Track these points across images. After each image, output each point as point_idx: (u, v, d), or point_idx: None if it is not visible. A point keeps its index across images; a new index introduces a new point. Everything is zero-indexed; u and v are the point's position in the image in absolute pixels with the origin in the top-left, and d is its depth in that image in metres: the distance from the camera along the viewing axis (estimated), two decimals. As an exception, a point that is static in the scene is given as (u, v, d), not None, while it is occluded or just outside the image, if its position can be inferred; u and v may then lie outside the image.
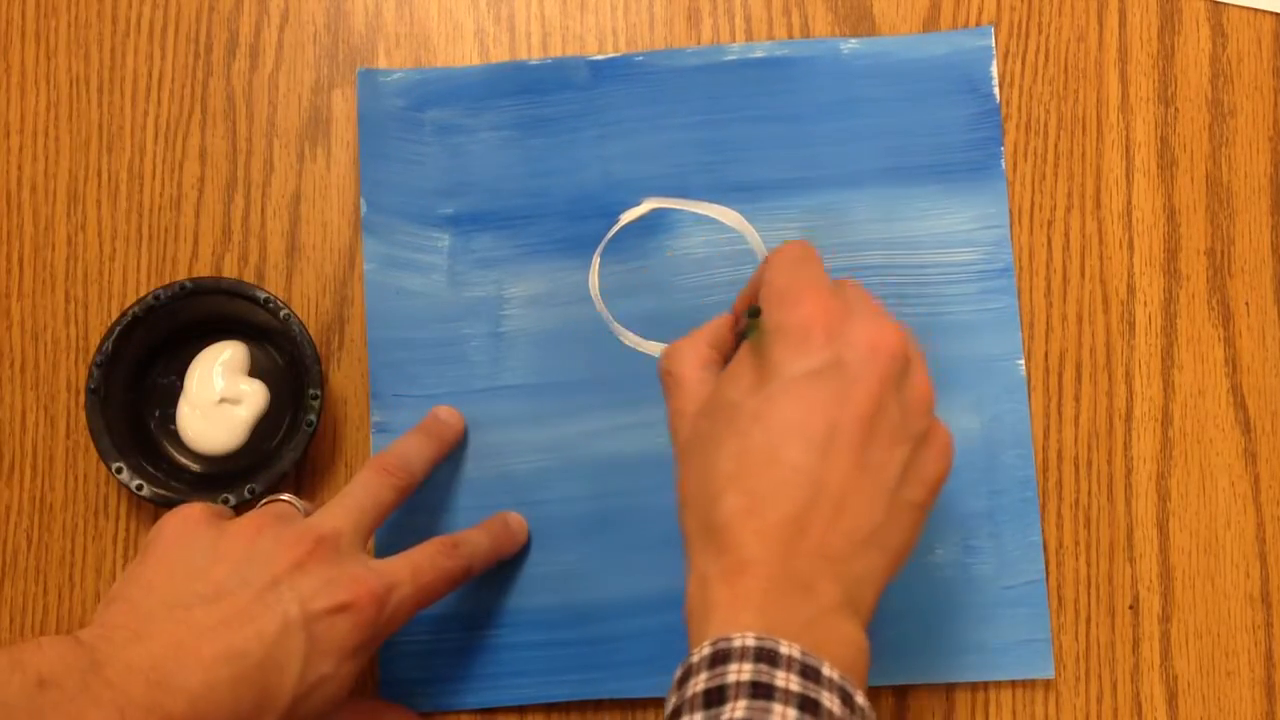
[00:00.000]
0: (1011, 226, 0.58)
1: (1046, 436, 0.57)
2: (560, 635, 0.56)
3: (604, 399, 0.57)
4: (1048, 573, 0.56)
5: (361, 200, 0.58)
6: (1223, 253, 0.58)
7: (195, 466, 0.57)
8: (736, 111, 0.59)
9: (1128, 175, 0.59)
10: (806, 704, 0.38)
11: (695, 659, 0.40)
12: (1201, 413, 0.57)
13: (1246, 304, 0.58)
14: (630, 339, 0.58)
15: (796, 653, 0.40)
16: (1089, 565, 0.57)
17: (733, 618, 0.41)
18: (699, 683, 0.39)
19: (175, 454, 0.57)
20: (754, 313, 0.45)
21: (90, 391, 0.54)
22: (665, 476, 0.56)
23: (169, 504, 0.54)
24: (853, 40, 0.59)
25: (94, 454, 0.56)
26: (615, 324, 0.58)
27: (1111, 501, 0.57)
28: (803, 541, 0.42)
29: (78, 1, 0.60)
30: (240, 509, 0.55)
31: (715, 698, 0.39)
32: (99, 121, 0.60)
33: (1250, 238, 0.59)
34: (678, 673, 0.41)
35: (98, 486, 0.57)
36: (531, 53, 0.60)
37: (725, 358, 0.49)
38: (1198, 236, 0.59)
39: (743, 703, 0.38)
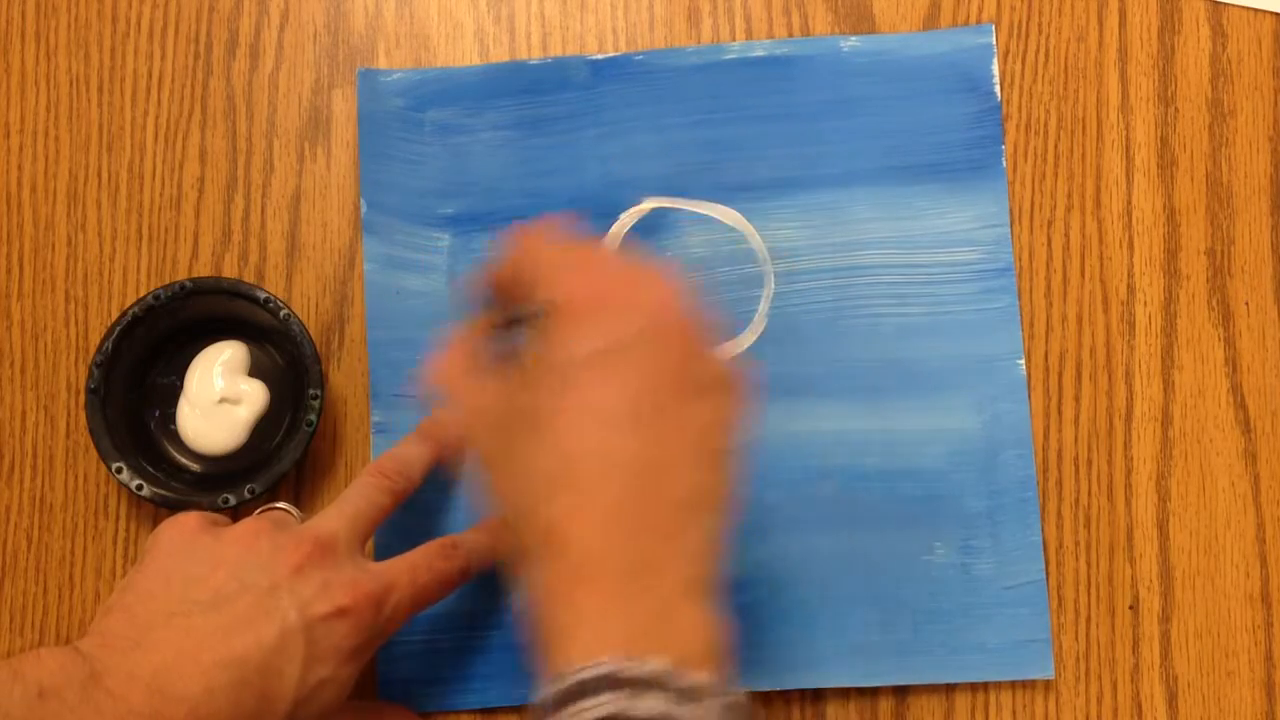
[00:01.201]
0: (1011, 226, 0.58)
1: (1046, 436, 0.57)
2: (560, 635, 0.55)
3: (604, 399, 0.57)
4: (1048, 573, 0.56)
5: (361, 200, 0.58)
6: (1223, 253, 0.58)
7: (195, 466, 0.57)
8: (736, 111, 0.59)
9: (1128, 175, 0.59)
10: None
11: (550, 692, 0.38)
12: (1201, 413, 0.57)
13: (1246, 304, 0.58)
14: (630, 339, 0.58)
15: (657, 666, 0.38)
16: (1089, 565, 0.57)
17: (586, 636, 0.39)
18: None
19: (175, 454, 0.57)
20: (536, 310, 0.43)
21: (90, 391, 0.54)
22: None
23: (169, 504, 0.54)
24: (853, 39, 0.59)
25: (94, 454, 0.56)
26: (615, 324, 0.58)
27: (1111, 501, 0.57)
28: (637, 524, 0.40)
29: (78, 1, 0.60)
30: (240, 509, 0.55)
31: None
32: (99, 121, 0.60)
33: (1250, 238, 0.59)
34: (536, 695, 0.38)
35: (98, 486, 0.57)
36: (531, 53, 0.60)
37: (480, 362, 0.47)
38: (1198, 236, 0.59)
39: None
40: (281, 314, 0.55)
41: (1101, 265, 0.58)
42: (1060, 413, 0.57)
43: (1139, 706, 0.56)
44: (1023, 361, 0.57)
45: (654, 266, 0.44)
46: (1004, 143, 0.59)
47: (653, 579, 0.40)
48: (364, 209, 0.58)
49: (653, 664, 0.38)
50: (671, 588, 0.40)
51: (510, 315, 0.46)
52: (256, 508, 0.56)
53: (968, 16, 0.60)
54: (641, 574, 0.40)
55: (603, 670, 0.37)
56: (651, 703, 0.37)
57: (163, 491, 0.54)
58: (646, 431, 0.41)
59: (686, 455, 0.42)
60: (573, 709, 0.37)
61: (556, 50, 0.60)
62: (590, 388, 0.41)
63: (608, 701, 0.37)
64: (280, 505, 0.55)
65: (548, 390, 0.42)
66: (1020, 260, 0.58)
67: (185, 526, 0.48)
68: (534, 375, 0.43)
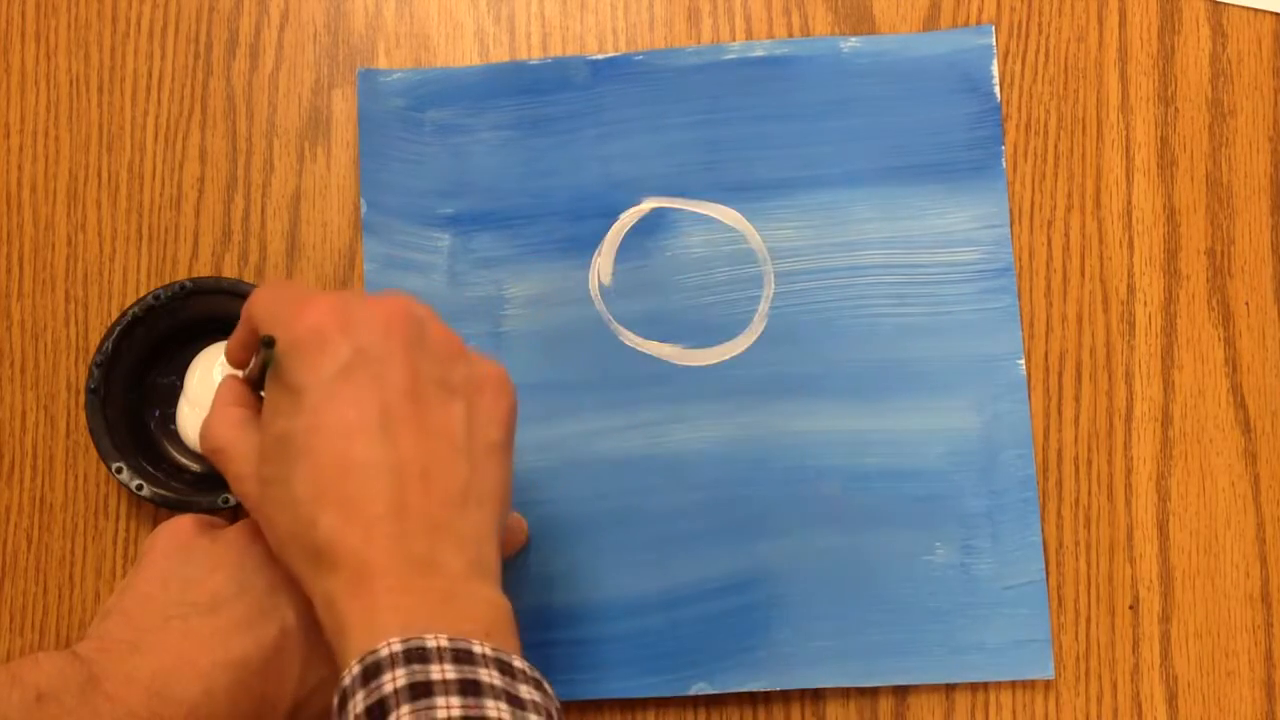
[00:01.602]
0: (1011, 226, 0.58)
1: (1046, 436, 0.57)
2: (560, 635, 0.56)
3: (604, 399, 0.57)
4: (1048, 573, 0.56)
5: (361, 200, 0.58)
6: (1223, 253, 0.58)
7: (195, 466, 0.57)
8: (736, 111, 0.59)
9: (1128, 175, 0.59)
10: (467, 687, 0.38)
11: (347, 681, 0.39)
12: (1201, 413, 0.57)
13: (1246, 304, 0.58)
14: (630, 339, 0.58)
15: (444, 641, 0.39)
16: (1089, 565, 0.57)
17: (371, 627, 0.39)
18: (357, 704, 0.38)
19: (175, 454, 0.57)
20: (268, 342, 0.44)
21: (90, 391, 0.54)
22: (665, 476, 0.56)
23: (169, 504, 0.54)
24: (853, 39, 0.59)
25: (94, 454, 0.56)
26: (615, 324, 0.58)
27: (1111, 501, 0.57)
28: (407, 524, 0.41)
29: (78, 1, 0.60)
30: (240, 509, 0.55)
31: (377, 713, 0.37)
32: (99, 121, 0.60)
33: (1250, 238, 0.59)
34: (334, 699, 0.39)
35: (98, 486, 0.57)
36: (531, 53, 0.60)
37: (256, 409, 0.48)
38: (1198, 236, 0.59)
39: (405, 708, 0.37)
40: (281, 314, 0.55)
41: (1101, 265, 0.58)
42: (1060, 413, 0.57)
43: (1139, 706, 0.56)
44: (1023, 361, 0.57)
45: (384, 293, 0.46)
46: (1004, 143, 0.59)
47: (429, 571, 0.41)
48: (364, 209, 0.58)
49: (443, 639, 0.39)
50: (449, 576, 0.41)
51: (255, 367, 0.47)
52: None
53: (968, 17, 0.60)
54: (417, 569, 0.41)
55: (396, 649, 0.38)
56: (446, 668, 0.38)
57: (163, 491, 0.54)
58: (399, 438, 0.42)
59: (445, 454, 0.43)
60: (372, 685, 0.38)
61: (556, 50, 0.60)
62: (336, 406, 0.42)
63: (403, 675, 0.38)
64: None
65: (296, 417, 0.42)
66: (1020, 260, 0.58)
67: (182, 529, 0.48)
68: (284, 408, 0.43)
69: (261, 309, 0.46)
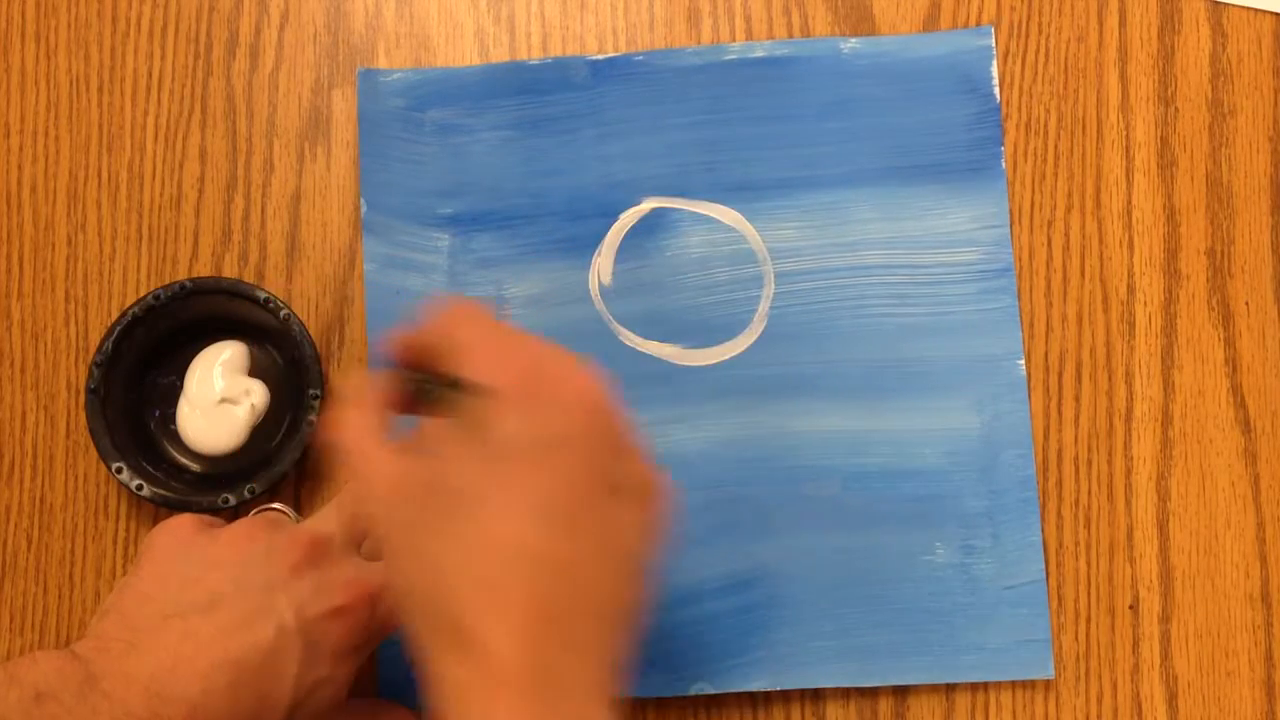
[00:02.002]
0: (1011, 226, 0.58)
1: (1046, 436, 0.57)
2: (560, 635, 0.55)
3: (604, 399, 0.57)
4: (1048, 573, 0.56)
5: (361, 200, 0.58)
6: (1223, 253, 0.58)
7: (195, 466, 0.57)
8: (736, 111, 0.59)
9: (1128, 175, 0.59)
10: None
11: None
12: (1201, 413, 0.57)
13: (1246, 304, 0.58)
14: (630, 339, 0.58)
15: None
16: (1089, 565, 0.57)
17: None
18: None
19: (175, 454, 0.57)
20: (452, 384, 0.41)
21: (90, 391, 0.54)
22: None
23: (169, 504, 0.54)
24: (853, 40, 0.59)
25: (94, 454, 0.56)
26: (615, 324, 0.58)
27: (1111, 501, 0.57)
28: (550, 631, 0.39)
29: (78, 1, 0.60)
30: (240, 509, 0.55)
31: None
32: (99, 121, 0.60)
33: (1250, 238, 0.59)
34: None
35: (98, 486, 0.57)
36: (531, 53, 0.60)
37: (387, 426, 0.44)
38: (1198, 236, 0.59)
39: None
40: (281, 314, 0.55)
41: (1101, 265, 0.58)
42: (1060, 413, 0.57)
43: (1139, 706, 0.56)
44: (1023, 361, 0.57)
45: (580, 360, 0.42)
46: (1004, 143, 0.59)
47: (563, 690, 0.39)
48: (364, 209, 0.58)
49: None
50: (581, 699, 0.39)
51: (419, 384, 0.43)
52: (256, 508, 0.56)
53: (968, 17, 0.60)
54: (553, 683, 0.38)
55: None
56: None
57: (163, 491, 0.54)
58: (570, 533, 0.39)
59: (607, 563, 0.40)
60: None
61: (556, 50, 0.60)
62: (518, 482, 0.39)
63: None
64: (275, 506, 0.55)
65: (472, 477, 0.40)
66: (1020, 260, 0.58)
67: (180, 529, 0.48)
68: (454, 456, 0.40)
69: (466, 339, 0.42)
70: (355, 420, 0.42)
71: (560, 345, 0.43)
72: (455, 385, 0.41)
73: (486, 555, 0.39)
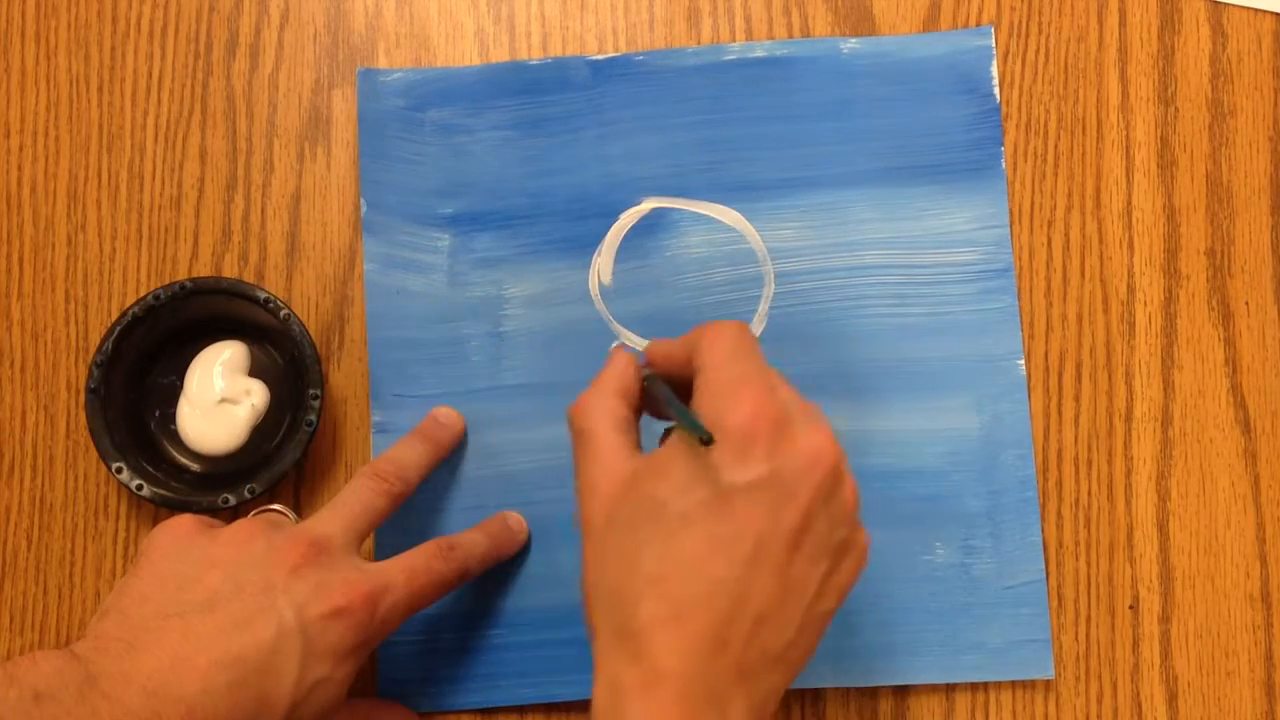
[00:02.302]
0: (1011, 226, 0.58)
1: (1046, 436, 0.57)
2: (560, 635, 0.56)
3: (604, 399, 0.57)
4: (1048, 573, 0.56)
5: (361, 200, 0.58)
6: (1223, 253, 0.58)
7: (195, 466, 0.57)
8: (736, 111, 0.59)
9: (1128, 175, 0.59)
10: None
11: None
12: (1201, 413, 0.57)
13: (1246, 304, 0.58)
14: (630, 339, 0.58)
15: None
16: (1089, 565, 0.57)
17: None
18: None
19: (175, 454, 0.57)
20: (702, 435, 0.42)
21: (90, 391, 0.54)
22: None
23: (169, 504, 0.54)
24: (853, 40, 0.59)
25: (94, 454, 0.56)
26: (615, 324, 0.58)
27: (1111, 501, 0.57)
28: (720, 657, 0.40)
29: (78, 1, 0.60)
30: (240, 509, 0.55)
31: None
32: (99, 121, 0.60)
33: (1250, 238, 0.59)
34: None
35: (98, 486, 0.57)
36: (531, 53, 0.60)
37: (636, 411, 0.47)
38: (1198, 236, 0.59)
39: None
40: (281, 314, 0.55)
41: (1101, 265, 0.58)
42: (1060, 413, 0.57)
43: (1139, 706, 0.56)
44: (1023, 361, 0.57)
45: (821, 417, 0.44)
46: (1003, 143, 0.59)
47: (719, 712, 0.40)
48: (364, 209, 0.58)
49: None
50: None
51: (666, 394, 0.45)
52: (256, 508, 0.56)
53: (968, 17, 0.60)
54: (709, 705, 0.40)
55: None
56: None
57: (163, 491, 0.54)
58: (764, 574, 0.41)
59: (794, 612, 0.42)
60: None
61: (556, 50, 0.60)
62: (726, 513, 0.41)
63: None
64: (275, 507, 0.55)
65: (681, 496, 0.42)
66: (1020, 260, 0.58)
67: (180, 528, 0.48)
68: (681, 477, 0.42)
69: (718, 370, 0.43)
70: (602, 406, 0.45)
71: (804, 400, 0.44)
72: (696, 414, 0.43)
73: (682, 574, 0.41)
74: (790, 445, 0.42)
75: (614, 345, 0.55)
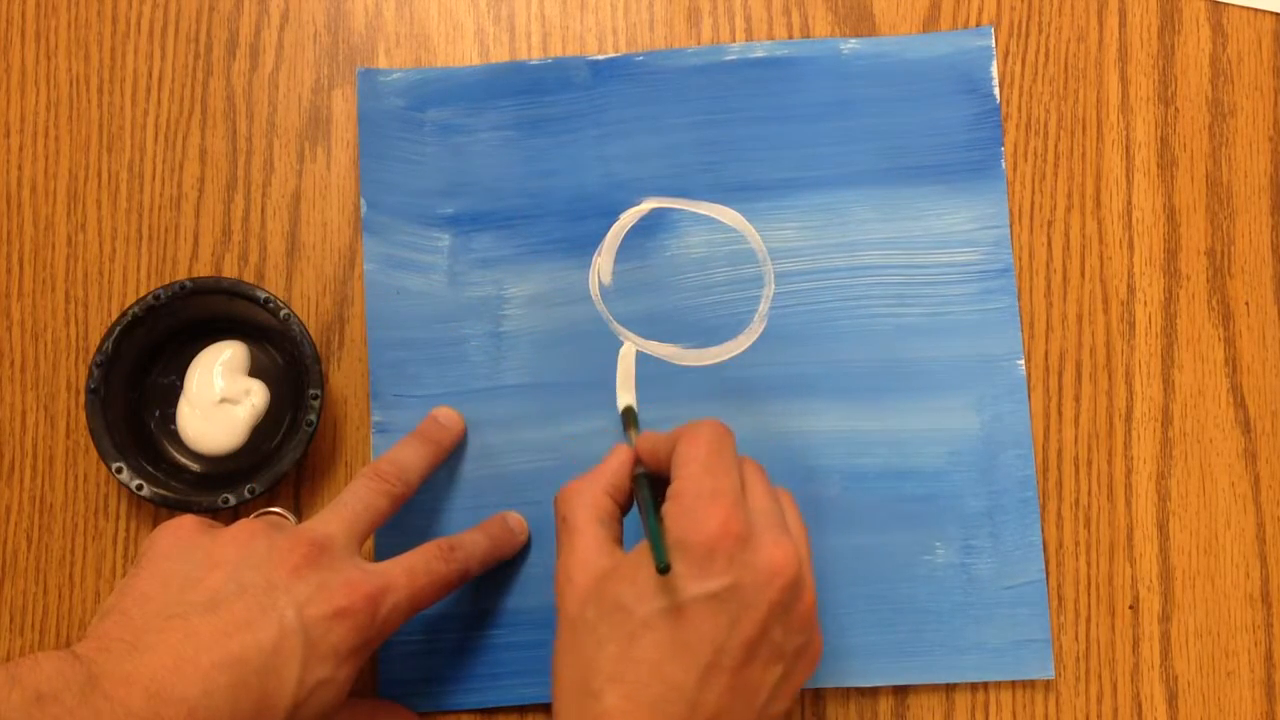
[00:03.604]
0: (1011, 226, 0.58)
1: (1046, 436, 0.57)
2: (560, 635, 0.56)
3: (604, 399, 0.57)
4: (1048, 573, 0.56)
5: (361, 200, 0.58)
6: (1223, 253, 0.59)
7: (195, 466, 0.57)
8: (736, 111, 0.59)
9: (1128, 175, 0.59)
10: None
11: None
12: (1201, 413, 0.57)
13: (1246, 304, 0.58)
14: (630, 339, 0.58)
15: None
16: (1089, 565, 0.57)
17: None
18: None
19: (175, 454, 0.57)
20: (655, 546, 0.44)
21: (90, 391, 0.54)
22: (665, 476, 0.56)
23: (169, 504, 0.54)
24: (853, 40, 0.59)
25: (94, 454, 0.56)
26: (615, 324, 0.58)
27: (1111, 501, 0.57)
28: None
29: (78, 1, 0.60)
30: (240, 509, 0.55)
31: None
32: (99, 121, 0.60)
33: (1250, 238, 0.59)
34: None
35: (98, 486, 0.57)
36: (531, 53, 0.60)
37: (622, 507, 0.49)
38: (1198, 236, 0.59)
39: None
40: (281, 314, 0.55)
41: (1101, 265, 0.58)
42: (1060, 413, 0.57)
43: (1139, 706, 0.56)
44: (1023, 361, 0.57)
45: (785, 520, 0.46)
46: (1003, 144, 0.59)
47: None
48: (364, 209, 0.58)
49: None
50: None
51: (646, 503, 0.47)
52: (256, 508, 0.56)
53: (968, 17, 0.60)
54: None
55: None
56: None
57: (163, 491, 0.54)
58: (718, 681, 0.43)
59: (743, 713, 0.44)
60: None
61: (556, 50, 0.60)
62: (684, 623, 0.43)
63: None
64: (274, 510, 0.55)
65: (643, 602, 0.44)
66: (1020, 260, 0.58)
67: (181, 529, 0.48)
68: (644, 579, 0.44)
69: (687, 483, 0.45)
70: (587, 497, 0.48)
71: (773, 502, 0.46)
72: (660, 513, 0.46)
73: (640, 676, 0.43)
74: (751, 559, 0.44)
75: (622, 407, 0.57)
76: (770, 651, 0.44)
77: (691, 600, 0.43)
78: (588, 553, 0.47)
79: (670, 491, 0.46)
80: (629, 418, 0.55)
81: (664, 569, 0.43)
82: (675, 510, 0.45)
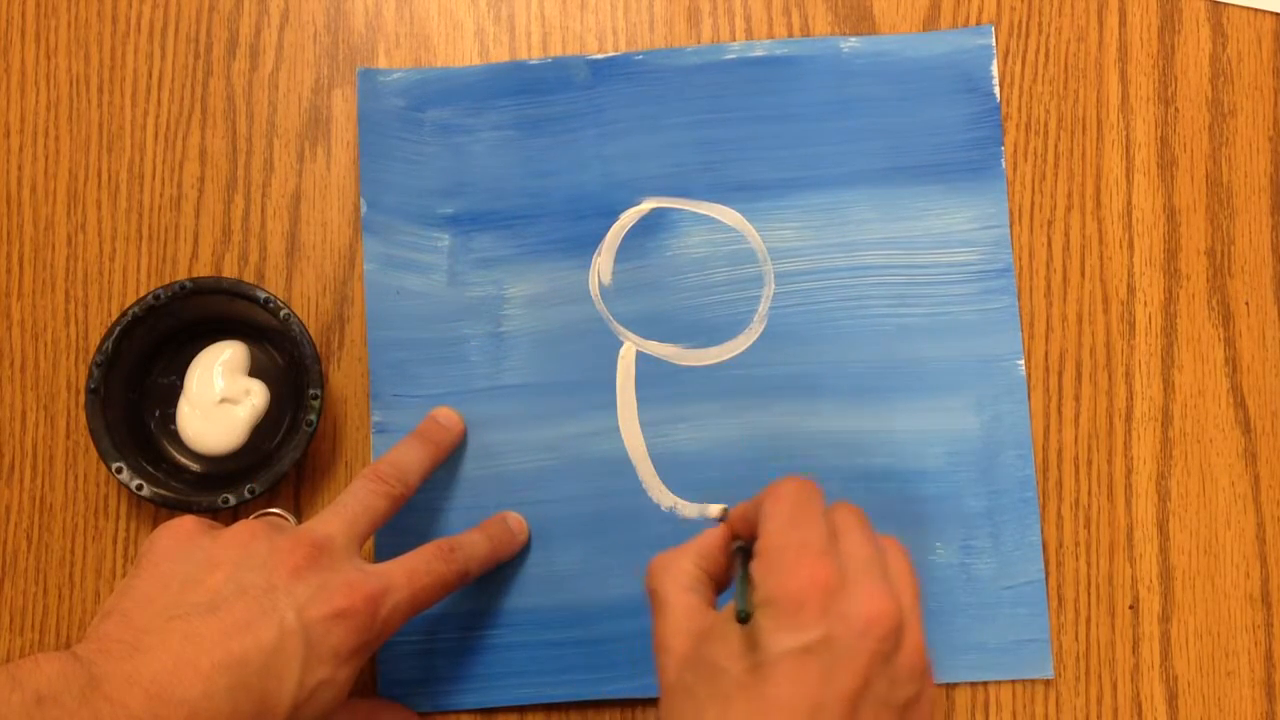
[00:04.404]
0: (1011, 226, 0.58)
1: (1046, 436, 0.57)
2: (560, 635, 0.56)
3: (604, 399, 0.57)
4: (1047, 573, 0.56)
5: (361, 200, 0.58)
6: (1223, 253, 0.58)
7: (195, 466, 0.57)
8: (736, 111, 0.59)
9: (1128, 175, 0.59)
10: None
11: None
12: (1201, 413, 0.57)
13: (1246, 304, 0.58)
14: (630, 339, 0.58)
15: None
16: (1089, 565, 0.57)
17: None
18: None
19: (175, 454, 0.57)
20: (740, 598, 0.43)
21: (90, 391, 0.54)
22: (666, 476, 0.56)
23: (169, 504, 0.54)
24: (853, 39, 0.59)
25: (94, 454, 0.56)
26: (615, 324, 0.58)
27: (1111, 501, 0.57)
28: None
29: (78, 1, 0.60)
30: (240, 509, 0.55)
31: None
32: (99, 121, 0.60)
33: (1250, 238, 0.59)
34: None
35: (98, 486, 0.57)
36: (531, 52, 0.60)
37: (714, 577, 0.48)
38: (1198, 236, 0.59)
39: None
40: (281, 314, 0.55)
41: (1101, 265, 0.58)
42: (1060, 413, 0.57)
43: (1139, 706, 0.56)
44: (1023, 361, 0.57)
45: (885, 567, 0.44)
46: (1003, 143, 0.59)
47: None
48: (364, 209, 0.58)
49: None
50: None
51: (739, 565, 0.46)
52: (256, 508, 0.56)
53: (968, 16, 0.60)
54: None
55: None
56: None
57: (163, 491, 0.54)
58: None
59: None
60: None
61: (556, 50, 0.60)
62: (780, 680, 0.41)
63: None
64: (275, 511, 0.55)
65: (742, 662, 0.42)
66: (1020, 260, 0.58)
67: (181, 530, 0.48)
68: (735, 637, 0.43)
69: (773, 535, 0.44)
70: (674, 567, 0.47)
71: (872, 550, 0.44)
72: (749, 571, 0.44)
73: None
74: (845, 609, 0.42)
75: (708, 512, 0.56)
76: (875, 705, 0.42)
77: (782, 655, 0.42)
78: (679, 620, 0.45)
79: (757, 548, 0.44)
80: (723, 516, 0.52)
81: (744, 618, 0.42)
82: (762, 567, 0.43)
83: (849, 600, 0.42)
